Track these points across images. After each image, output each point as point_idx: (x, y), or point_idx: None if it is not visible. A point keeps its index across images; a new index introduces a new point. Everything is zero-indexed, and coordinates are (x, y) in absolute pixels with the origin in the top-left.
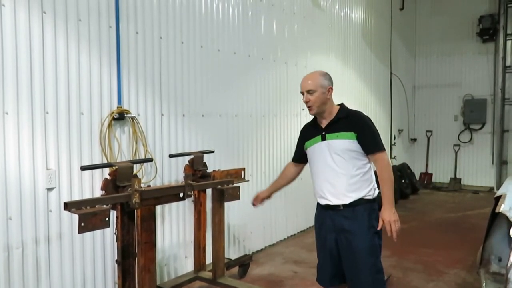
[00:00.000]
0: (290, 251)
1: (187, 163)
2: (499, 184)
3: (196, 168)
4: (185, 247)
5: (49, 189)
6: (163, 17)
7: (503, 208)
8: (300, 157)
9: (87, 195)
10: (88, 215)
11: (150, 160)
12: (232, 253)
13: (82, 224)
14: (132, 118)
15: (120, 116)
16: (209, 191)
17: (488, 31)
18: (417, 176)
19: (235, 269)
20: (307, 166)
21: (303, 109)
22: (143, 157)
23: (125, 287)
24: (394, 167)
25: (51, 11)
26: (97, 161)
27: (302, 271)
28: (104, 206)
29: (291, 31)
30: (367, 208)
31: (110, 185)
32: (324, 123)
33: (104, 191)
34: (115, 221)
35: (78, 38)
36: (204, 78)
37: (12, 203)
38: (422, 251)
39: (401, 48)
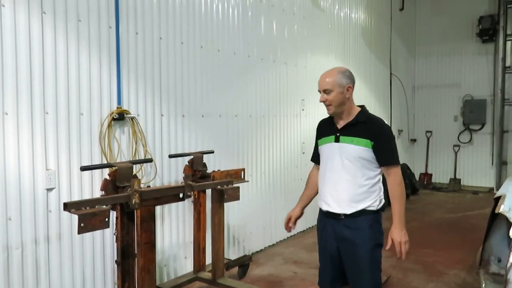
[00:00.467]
0: (289, 251)
1: (187, 163)
2: (499, 184)
3: (195, 168)
4: (185, 248)
5: (49, 190)
6: (163, 18)
7: (502, 208)
8: (319, 158)
9: (86, 196)
10: (88, 216)
11: (150, 160)
12: (231, 253)
13: (82, 224)
14: (132, 118)
15: (120, 117)
16: (208, 192)
17: (488, 31)
18: (417, 177)
19: (235, 270)
20: (312, 166)
21: (302, 110)
22: (142, 157)
23: None
24: None
25: (51, 12)
26: (96, 161)
27: (302, 272)
28: (104, 206)
29: (291, 31)
30: (369, 219)
31: (110, 186)
32: (340, 124)
33: (103, 192)
34: (114, 222)
35: (78, 38)
36: (204, 79)
37: (11, 203)
38: (422, 252)
39: (401, 48)
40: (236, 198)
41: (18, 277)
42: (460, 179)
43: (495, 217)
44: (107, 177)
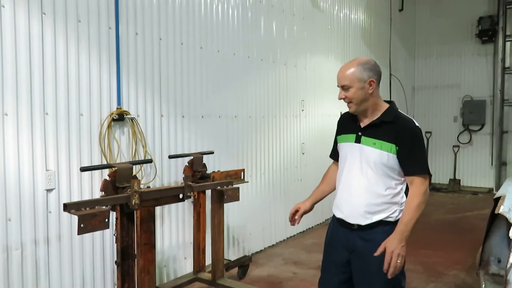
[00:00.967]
0: (289, 252)
1: (187, 164)
2: (498, 185)
3: (195, 169)
4: (185, 248)
5: (49, 190)
6: (163, 18)
7: (502, 209)
8: (338, 154)
9: (86, 196)
10: (88, 216)
11: (150, 161)
12: (231, 254)
13: (82, 225)
14: (132, 119)
15: (120, 117)
16: (208, 192)
17: (487, 32)
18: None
19: (235, 270)
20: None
21: (302, 110)
22: (142, 158)
23: None
24: None
25: (50, 12)
26: (96, 162)
27: (302, 272)
28: (104, 207)
29: (291, 32)
30: (387, 231)
31: (110, 186)
32: (364, 122)
33: (103, 192)
34: (114, 222)
35: (78, 39)
36: (203, 79)
37: (11, 204)
38: (421, 252)
39: (401, 49)
40: (236, 198)
41: (17, 278)
42: (459, 180)
43: (495, 218)
44: (107, 178)
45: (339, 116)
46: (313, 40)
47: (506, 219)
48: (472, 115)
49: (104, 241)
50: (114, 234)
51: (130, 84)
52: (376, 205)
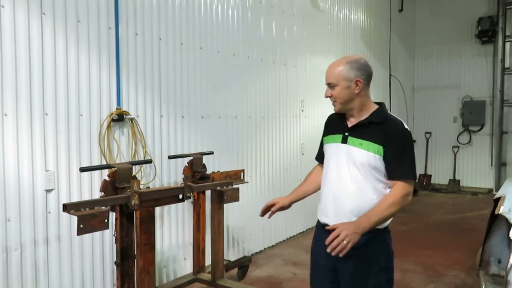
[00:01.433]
0: (289, 252)
1: (186, 164)
2: (498, 185)
3: (195, 169)
4: (184, 249)
5: (48, 191)
6: (163, 19)
7: (502, 209)
8: (323, 156)
9: (86, 197)
10: (87, 217)
11: (149, 161)
12: (231, 254)
13: (81, 225)
14: (131, 119)
15: (119, 118)
16: (208, 193)
17: (487, 32)
18: (416, 178)
19: (234, 271)
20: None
21: (302, 111)
22: (142, 158)
23: None
24: None
25: (50, 12)
26: (96, 162)
27: (301, 273)
28: (103, 207)
29: (291, 32)
30: (375, 238)
31: (109, 187)
32: (351, 122)
33: (103, 193)
34: (114, 223)
35: (78, 39)
36: (203, 80)
37: (10, 204)
38: (421, 253)
39: (400, 49)
40: (236, 199)
41: (17, 278)
42: (459, 180)
43: (495, 218)
44: (107, 178)
45: None
46: (313, 41)
47: (506, 220)
48: (472, 115)
49: (104, 241)
50: (114, 235)
51: (129, 84)
52: (363, 209)
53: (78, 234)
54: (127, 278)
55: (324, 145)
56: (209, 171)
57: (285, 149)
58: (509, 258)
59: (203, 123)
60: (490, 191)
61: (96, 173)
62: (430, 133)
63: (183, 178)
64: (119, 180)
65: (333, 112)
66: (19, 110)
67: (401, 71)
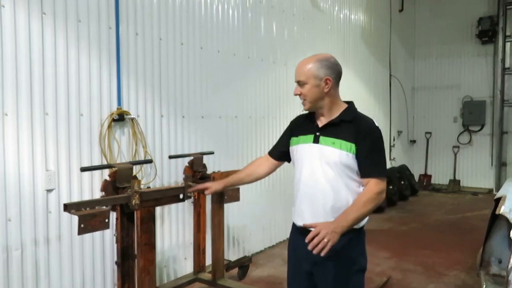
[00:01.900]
0: None
1: (187, 164)
2: (498, 185)
3: (195, 169)
4: (185, 249)
5: (49, 190)
6: (163, 19)
7: (503, 209)
8: (280, 154)
9: (86, 197)
10: (88, 217)
11: (150, 161)
12: (231, 254)
13: (82, 225)
14: (132, 119)
15: (120, 118)
16: None
17: (487, 32)
18: (416, 178)
19: (235, 271)
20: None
21: (302, 111)
22: (142, 158)
23: None
24: (393, 168)
25: (50, 12)
26: (96, 162)
27: None
28: (104, 207)
29: (291, 32)
30: (350, 239)
31: (110, 187)
32: (322, 121)
33: (103, 193)
34: (114, 223)
35: (78, 39)
36: (203, 80)
37: (11, 204)
38: (421, 253)
39: (401, 49)
40: (236, 199)
41: (17, 278)
42: (459, 180)
43: (496, 218)
44: (107, 178)
45: None
46: (313, 41)
47: (507, 220)
48: (472, 115)
49: (104, 241)
50: (114, 235)
51: (130, 84)
52: (338, 209)
53: (78, 234)
54: (128, 278)
55: (292, 147)
56: (209, 171)
57: None
58: (509, 258)
59: (203, 123)
60: (490, 191)
61: (97, 173)
62: (430, 133)
63: (183, 178)
64: (119, 180)
65: (303, 113)
66: (19, 110)
67: (401, 71)
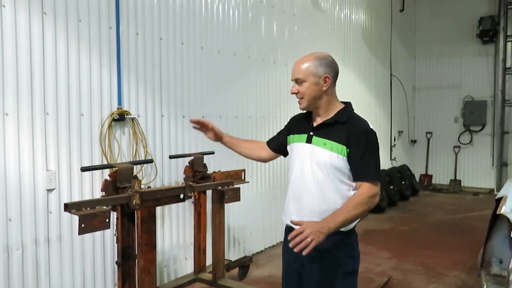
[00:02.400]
0: None
1: (187, 164)
2: (499, 186)
3: (196, 169)
4: (185, 249)
5: (49, 190)
6: (163, 18)
7: (504, 210)
8: (276, 146)
9: (87, 196)
10: (88, 216)
11: (150, 161)
12: (232, 254)
13: (82, 225)
14: (132, 119)
15: (120, 117)
16: (209, 193)
17: (488, 32)
18: (417, 178)
19: (235, 271)
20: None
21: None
22: (143, 158)
23: None
24: (394, 168)
25: (51, 12)
26: (97, 162)
27: None
28: (104, 207)
29: (291, 32)
30: (340, 240)
31: (110, 186)
32: (317, 121)
33: (104, 192)
34: (115, 223)
35: (79, 39)
36: (204, 79)
37: (11, 204)
38: (422, 253)
39: (401, 49)
40: (237, 199)
41: (18, 278)
42: (460, 180)
43: (497, 218)
44: (108, 178)
45: None
46: (314, 40)
47: (508, 220)
48: (473, 115)
49: (105, 241)
50: (115, 234)
51: (130, 84)
52: (325, 211)
53: (79, 234)
54: (128, 278)
55: (288, 145)
56: (210, 170)
57: None
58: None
59: None
60: (491, 191)
61: (97, 172)
62: (431, 133)
63: (184, 178)
64: (120, 180)
65: (300, 112)
66: (20, 109)
67: (402, 71)
